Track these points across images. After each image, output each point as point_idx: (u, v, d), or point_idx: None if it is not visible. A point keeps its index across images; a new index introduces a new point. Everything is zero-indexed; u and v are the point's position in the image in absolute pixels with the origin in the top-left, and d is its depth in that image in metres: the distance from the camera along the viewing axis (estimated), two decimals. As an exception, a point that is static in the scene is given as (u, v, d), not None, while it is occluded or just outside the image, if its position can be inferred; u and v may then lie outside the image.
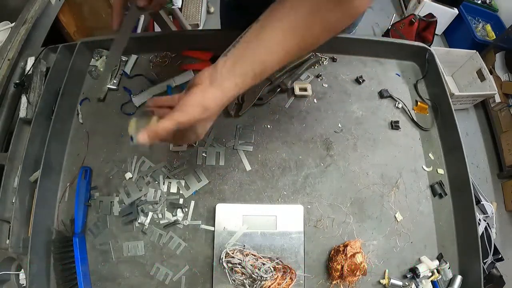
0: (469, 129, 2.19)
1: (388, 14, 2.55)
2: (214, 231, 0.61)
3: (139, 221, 0.62)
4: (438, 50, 2.10)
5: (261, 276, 0.56)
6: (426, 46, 0.79)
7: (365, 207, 0.66)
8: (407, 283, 0.61)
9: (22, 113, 0.70)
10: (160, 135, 0.41)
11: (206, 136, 0.68)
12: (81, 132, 0.70)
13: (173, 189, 0.65)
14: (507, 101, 2.08)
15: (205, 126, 0.47)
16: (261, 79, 0.45)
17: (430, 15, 2.12)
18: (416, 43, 0.80)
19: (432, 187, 0.69)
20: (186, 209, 0.64)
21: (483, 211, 1.03)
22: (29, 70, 0.74)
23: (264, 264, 0.57)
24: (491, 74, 2.07)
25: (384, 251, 0.63)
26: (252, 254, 0.59)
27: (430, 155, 0.72)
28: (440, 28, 2.43)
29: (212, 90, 0.43)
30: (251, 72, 0.43)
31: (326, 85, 0.77)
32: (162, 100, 0.49)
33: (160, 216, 0.63)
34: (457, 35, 2.43)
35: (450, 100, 0.72)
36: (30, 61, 0.76)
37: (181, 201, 0.64)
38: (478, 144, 2.14)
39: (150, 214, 0.62)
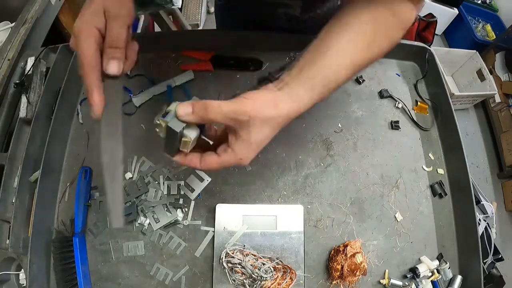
0: (469, 129, 2.19)
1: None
2: (214, 231, 0.61)
3: (139, 221, 0.62)
4: (438, 50, 2.11)
5: (261, 276, 0.56)
6: (426, 46, 0.79)
7: (365, 207, 0.66)
8: (407, 283, 0.61)
9: (22, 113, 0.70)
10: (210, 109, 0.34)
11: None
12: (81, 132, 0.70)
13: (173, 189, 0.65)
14: (507, 101, 2.08)
15: (262, 135, 0.38)
16: (336, 86, 0.42)
17: (430, 15, 2.12)
18: (416, 43, 0.80)
19: (432, 187, 0.69)
20: (186, 209, 0.64)
21: (483, 211, 1.03)
22: (29, 70, 0.74)
23: (264, 264, 0.57)
24: (491, 74, 2.07)
25: (384, 251, 0.63)
26: (252, 254, 0.59)
27: (430, 155, 0.72)
28: (440, 28, 2.43)
29: (282, 91, 0.38)
30: (318, 77, 0.39)
31: (326, 85, 0.77)
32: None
33: (160, 216, 0.63)
34: (457, 35, 2.43)
35: (450, 100, 0.72)
36: (30, 61, 0.76)
37: (181, 201, 0.64)
38: (478, 144, 2.14)
39: (150, 214, 0.62)
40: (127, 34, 0.38)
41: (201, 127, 0.38)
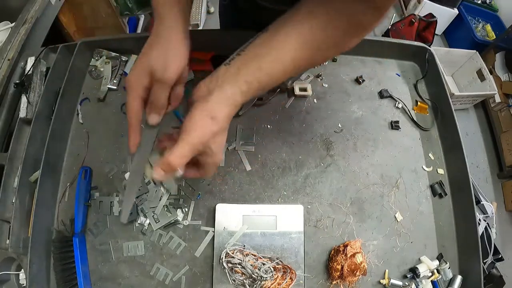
0: (469, 129, 2.19)
1: (388, 14, 2.55)
2: (214, 231, 0.61)
3: (139, 221, 0.62)
4: (438, 50, 2.11)
5: (261, 276, 0.56)
6: (426, 46, 0.79)
7: (365, 207, 0.66)
8: (407, 283, 0.61)
9: (22, 113, 0.70)
10: (174, 164, 0.38)
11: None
12: (81, 132, 0.70)
13: (173, 189, 0.65)
14: (507, 101, 2.08)
15: (219, 142, 0.41)
16: (268, 89, 0.42)
17: (430, 15, 2.12)
18: (416, 43, 0.80)
19: (432, 187, 0.69)
20: (186, 209, 0.64)
21: (483, 211, 1.03)
22: (29, 70, 0.74)
23: (264, 264, 0.57)
24: (491, 74, 2.07)
25: (384, 251, 0.63)
26: (252, 254, 0.59)
27: (430, 155, 0.72)
28: (440, 28, 2.43)
29: (214, 98, 0.39)
30: (255, 81, 0.40)
31: (326, 85, 0.77)
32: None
33: (160, 216, 0.63)
34: (457, 35, 2.43)
35: (450, 100, 0.72)
36: (30, 61, 0.76)
37: (181, 201, 0.64)
38: (478, 144, 2.14)
39: (150, 214, 0.62)
40: (168, 93, 0.45)
41: None
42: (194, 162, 0.44)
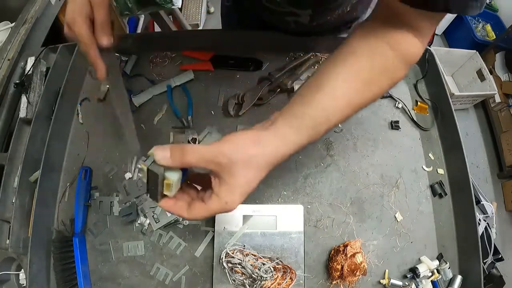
0: (469, 129, 2.19)
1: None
2: (214, 231, 0.61)
3: (139, 221, 0.62)
4: (438, 50, 2.10)
5: (261, 276, 0.56)
6: (426, 46, 0.79)
7: (365, 207, 0.66)
8: (407, 283, 0.61)
9: (22, 113, 0.70)
10: (184, 151, 0.33)
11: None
12: (81, 132, 0.70)
13: (173, 189, 0.65)
14: (507, 101, 2.08)
15: (245, 176, 0.34)
16: (326, 128, 0.38)
17: (430, 15, 2.12)
18: (416, 43, 0.80)
19: (432, 187, 0.69)
20: (186, 209, 0.64)
21: (483, 211, 1.03)
22: (29, 70, 0.74)
23: (264, 264, 0.57)
24: (491, 74, 2.07)
25: (384, 251, 0.63)
26: (252, 254, 0.59)
27: (430, 155, 0.72)
28: (440, 28, 2.43)
29: (265, 131, 0.35)
30: (306, 117, 0.37)
31: (326, 85, 0.77)
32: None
33: (160, 216, 0.63)
34: (457, 35, 2.42)
35: (450, 100, 0.72)
36: (30, 61, 0.76)
37: (181, 201, 0.64)
38: (478, 144, 2.14)
39: (150, 214, 0.62)
40: (108, 12, 0.47)
41: (185, 170, 0.37)
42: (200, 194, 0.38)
